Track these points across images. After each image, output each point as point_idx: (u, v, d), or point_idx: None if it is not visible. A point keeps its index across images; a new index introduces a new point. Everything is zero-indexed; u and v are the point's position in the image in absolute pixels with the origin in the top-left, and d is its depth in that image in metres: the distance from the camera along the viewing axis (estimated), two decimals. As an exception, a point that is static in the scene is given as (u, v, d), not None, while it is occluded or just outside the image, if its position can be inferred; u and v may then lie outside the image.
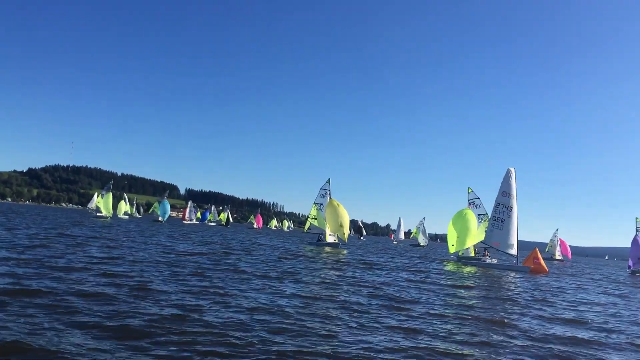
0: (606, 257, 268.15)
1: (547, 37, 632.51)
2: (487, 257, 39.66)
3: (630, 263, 55.50)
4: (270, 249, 37.77)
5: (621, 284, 36.51)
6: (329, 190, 51.52)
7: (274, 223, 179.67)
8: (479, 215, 43.47)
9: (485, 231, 39.96)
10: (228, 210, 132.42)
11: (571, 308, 17.71)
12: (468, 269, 34.57)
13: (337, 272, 23.43)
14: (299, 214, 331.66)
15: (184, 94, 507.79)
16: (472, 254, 44.13)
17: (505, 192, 39.35)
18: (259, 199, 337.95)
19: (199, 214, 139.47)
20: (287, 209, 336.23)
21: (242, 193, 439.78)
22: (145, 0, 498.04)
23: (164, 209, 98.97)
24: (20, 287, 11.87)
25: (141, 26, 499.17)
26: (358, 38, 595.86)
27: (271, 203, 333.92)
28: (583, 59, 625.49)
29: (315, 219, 51.66)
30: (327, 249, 46.60)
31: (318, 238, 51.85)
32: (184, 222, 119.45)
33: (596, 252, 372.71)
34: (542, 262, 40.34)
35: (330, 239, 50.11)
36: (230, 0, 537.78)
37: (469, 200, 45.98)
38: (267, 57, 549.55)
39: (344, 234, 48.56)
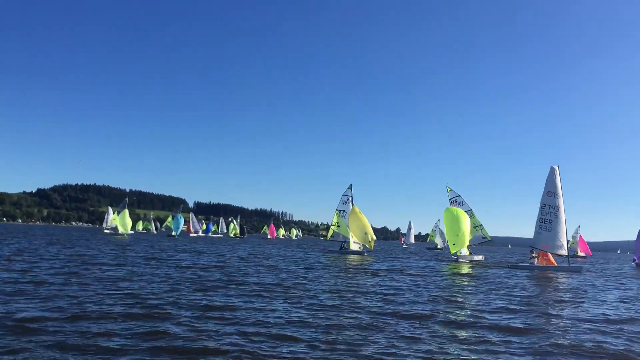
0: (618, 251, 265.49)
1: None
2: (536, 259, 38.11)
3: (636, 257, 54.93)
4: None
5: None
6: (351, 197, 50.39)
7: (281, 232, 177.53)
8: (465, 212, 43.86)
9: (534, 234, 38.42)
10: (237, 221, 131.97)
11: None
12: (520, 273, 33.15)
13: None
14: (309, 222, 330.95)
15: (186, 108, 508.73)
16: (467, 253, 45.62)
17: (550, 192, 37.79)
18: (268, 208, 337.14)
19: (203, 226, 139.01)
20: (296, 217, 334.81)
21: (250, 204, 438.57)
22: (143, 15, 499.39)
23: (177, 224, 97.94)
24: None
25: (141, 40, 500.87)
26: (362, 44, 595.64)
27: (280, 212, 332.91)
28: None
29: (339, 226, 50.44)
30: (352, 257, 45.32)
31: (341, 246, 50.61)
32: (190, 235, 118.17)
33: (606, 246, 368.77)
34: (551, 257, 39.61)
35: (354, 246, 48.86)
36: (233, 13, 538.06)
37: (450, 199, 47.13)
38: (267, 67, 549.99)
39: (370, 241, 47.28)
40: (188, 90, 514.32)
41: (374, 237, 48.60)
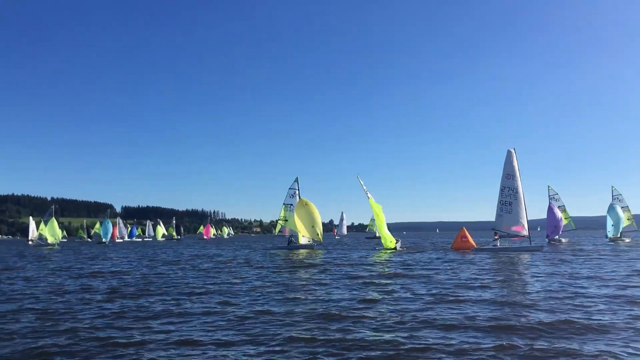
0: (538, 229, 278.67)
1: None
2: (499, 241, 38.80)
3: (548, 232, 56.07)
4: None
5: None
6: (298, 190, 49.18)
7: (212, 231, 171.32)
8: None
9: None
10: (174, 223, 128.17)
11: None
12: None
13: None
14: (242, 219, 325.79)
15: (106, 109, 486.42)
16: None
17: (509, 175, 38.66)
18: (199, 208, 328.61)
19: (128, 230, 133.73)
20: (228, 216, 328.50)
21: (181, 205, 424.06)
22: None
23: (106, 230, 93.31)
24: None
25: (48, 44, 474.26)
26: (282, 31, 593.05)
27: (212, 211, 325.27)
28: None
29: (286, 220, 49.06)
30: (302, 251, 44.26)
31: (289, 241, 49.32)
32: (116, 240, 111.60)
33: (533, 225, 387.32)
34: (470, 239, 41.88)
35: (303, 240, 47.71)
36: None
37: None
38: (188, 62, 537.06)
39: (318, 233, 46.24)
40: (105, 93, 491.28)
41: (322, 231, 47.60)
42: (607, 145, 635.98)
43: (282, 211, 49.28)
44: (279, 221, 50.06)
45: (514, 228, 38.20)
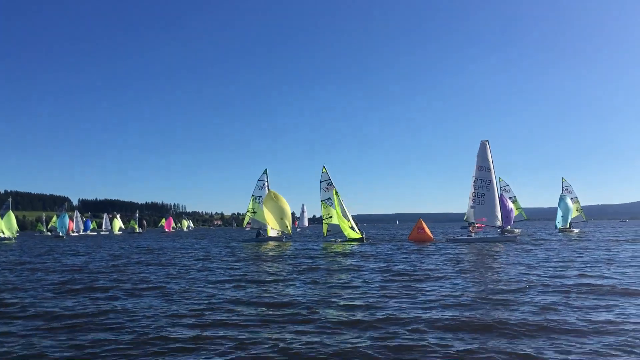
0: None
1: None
2: (474, 233, 39.42)
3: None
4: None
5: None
6: (267, 182, 48.88)
7: (173, 224, 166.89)
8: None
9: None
10: (137, 216, 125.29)
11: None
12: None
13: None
14: (203, 212, 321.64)
15: (58, 98, 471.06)
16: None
17: (482, 167, 38.90)
18: (159, 201, 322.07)
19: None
20: (189, 209, 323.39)
21: (140, 197, 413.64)
22: None
23: (63, 223, 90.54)
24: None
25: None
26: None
27: (173, 204, 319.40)
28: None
29: (255, 212, 48.69)
30: (271, 244, 44.08)
31: (257, 233, 48.96)
32: (72, 234, 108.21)
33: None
34: (427, 230, 43.02)
35: (272, 233, 47.50)
36: None
37: (325, 181, 45.60)
38: (147, 52, 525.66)
39: (287, 226, 46.14)
40: (60, 84, 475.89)
41: (291, 223, 47.54)
42: (558, 137, 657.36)
43: (251, 203, 48.90)
44: (247, 213, 49.64)
45: (486, 219, 38.70)
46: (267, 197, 46.35)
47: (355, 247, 36.18)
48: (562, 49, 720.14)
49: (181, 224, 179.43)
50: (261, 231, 48.65)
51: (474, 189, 38.75)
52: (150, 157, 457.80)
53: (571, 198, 59.02)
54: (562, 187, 61.13)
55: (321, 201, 45.37)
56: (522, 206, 63.30)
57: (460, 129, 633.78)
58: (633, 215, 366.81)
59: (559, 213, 56.01)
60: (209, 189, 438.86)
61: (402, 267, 20.76)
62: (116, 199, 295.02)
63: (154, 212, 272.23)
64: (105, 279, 18.32)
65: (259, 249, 36.35)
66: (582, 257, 24.17)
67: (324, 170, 45.55)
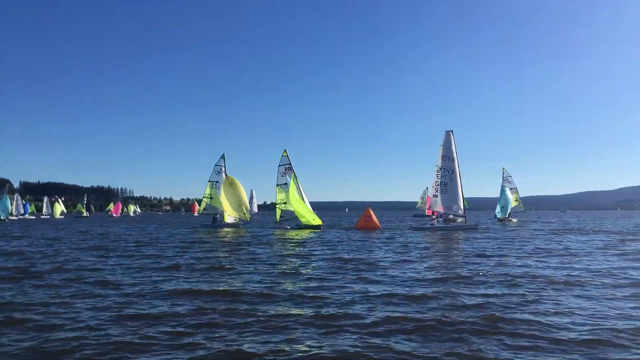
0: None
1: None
2: (436, 221, 40.11)
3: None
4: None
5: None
6: (225, 167, 47.99)
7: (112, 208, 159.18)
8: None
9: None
10: (85, 200, 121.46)
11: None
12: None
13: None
14: (151, 197, 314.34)
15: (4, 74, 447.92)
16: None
17: (445, 156, 39.29)
18: (106, 185, 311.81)
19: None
20: (137, 193, 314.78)
21: (85, 181, 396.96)
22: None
23: (4, 206, 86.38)
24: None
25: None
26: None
27: (120, 188, 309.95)
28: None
29: (211, 198, 47.73)
30: (227, 230, 43.52)
31: (214, 219, 48.18)
32: (11, 218, 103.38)
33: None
34: (374, 218, 43.95)
35: (229, 219, 46.81)
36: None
37: (284, 165, 45.26)
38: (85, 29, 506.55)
39: (245, 212, 45.54)
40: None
41: (249, 210, 46.87)
42: (500, 128, 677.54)
43: (208, 188, 47.88)
44: (203, 199, 48.62)
45: (448, 208, 39.33)
46: (224, 182, 45.52)
47: (311, 234, 36.23)
48: (513, 41, 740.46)
49: (127, 209, 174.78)
50: (217, 217, 47.90)
51: (438, 178, 39.22)
52: (96, 139, 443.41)
53: (510, 189, 60.28)
54: (503, 177, 62.13)
55: (277, 185, 45.12)
56: (466, 196, 64.67)
57: (411, 120, 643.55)
58: (572, 206, 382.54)
59: (500, 203, 57.38)
60: (158, 174, 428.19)
61: (352, 255, 20.90)
62: (60, 182, 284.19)
63: (100, 196, 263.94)
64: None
65: (213, 235, 35.82)
66: (520, 246, 24.97)
67: (284, 154, 45.31)
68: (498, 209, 58.28)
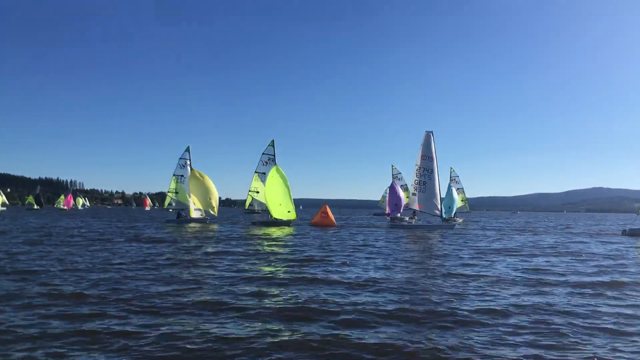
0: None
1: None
2: (415, 220, 39.96)
3: (389, 210, 54.82)
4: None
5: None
6: (189, 160, 45.70)
7: (62, 201, 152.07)
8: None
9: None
10: (37, 192, 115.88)
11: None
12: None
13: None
14: (102, 190, 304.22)
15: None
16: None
17: (425, 156, 39.81)
18: (54, 177, 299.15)
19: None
20: (87, 186, 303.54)
21: (32, 172, 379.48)
22: None
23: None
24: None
25: None
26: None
27: (69, 180, 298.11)
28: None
29: (177, 192, 45.34)
30: (193, 225, 41.46)
31: (178, 214, 45.82)
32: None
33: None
34: (330, 215, 44.65)
35: (195, 214, 44.58)
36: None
37: (268, 154, 44.26)
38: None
39: (214, 206, 43.47)
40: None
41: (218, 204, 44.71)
42: (450, 131, 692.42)
43: (173, 182, 45.42)
44: (168, 193, 46.08)
45: (426, 206, 39.19)
46: (191, 175, 43.49)
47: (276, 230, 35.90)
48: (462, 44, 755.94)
49: (75, 202, 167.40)
50: (182, 212, 45.60)
51: (417, 177, 39.47)
52: (44, 127, 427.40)
53: (457, 189, 59.68)
54: (450, 177, 61.95)
55: (255, 172, 44.17)
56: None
57: (372, 119, 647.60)
58: (522, 207, 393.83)
59: (445, 203, 56.38)
60: (110, 166, 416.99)
61: (312, 253, 20.11)
62: (4, 172, 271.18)
63: (49, 188, 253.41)
64: None
65: (178, 231, 33.80)
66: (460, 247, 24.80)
67: (271, 144, 44.39)
68: (444, 209, 57.46)
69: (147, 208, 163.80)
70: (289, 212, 40.39)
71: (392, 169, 63.16)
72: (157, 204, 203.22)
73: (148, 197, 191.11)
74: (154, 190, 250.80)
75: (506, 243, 27.69)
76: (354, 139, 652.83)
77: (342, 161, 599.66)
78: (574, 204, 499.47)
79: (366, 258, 18.68)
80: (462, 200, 61.32)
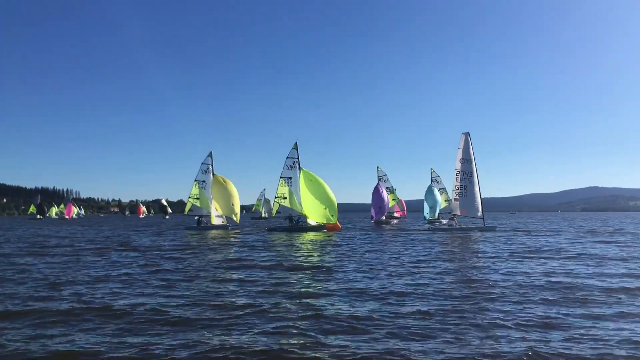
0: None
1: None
2: (455, 222, 39.35)
3: (373, 213, 54.29)
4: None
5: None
6: (212, 165, 44.43)
7: (54, 211, 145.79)
8: None
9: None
10: (38, 201, 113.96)
11: None
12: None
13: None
14: (99, 198, 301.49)
15: None
16: None
17: (463, 159, 38.66)
18: (50, 186, 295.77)
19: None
20: (84, 195, 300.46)
21: (28, 182, 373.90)
22: None
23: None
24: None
25: None
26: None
27: (65, 190, 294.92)
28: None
29: (198, 198, 44.07)
30: (214, 232, 40.17)
31: (199, 221, 44.53)
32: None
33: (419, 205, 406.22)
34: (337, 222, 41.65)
35: (217, 220, 43.38)
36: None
37: (292, 158, 42.12)
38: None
39: (237, 212, 42.33)
40: None
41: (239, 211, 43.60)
42: (427, 130, 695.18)
43: (194, 188, 44.12)
44: (189, 199, 44.73)
45: (468, 211, 38.58)
46: (214, 181, 42.55)
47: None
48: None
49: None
50: (202, 219, 44.35)
51: (457, 182, 38.51)
52: (39, 139, 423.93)
53: (439, 189, 58.08)
54: (431, 177, 60.19)
55: (280, 177, 41.73)
56: (408, 199, 64.04)
57: (370, 123, 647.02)
58: (518, 208, 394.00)
59: (427, 205, 54.81)
60: (104, 175, 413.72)
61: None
62: (1, 182, 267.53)
63: (46, 197, 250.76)
64: None
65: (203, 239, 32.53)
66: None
67: (294, 147, 41.74)
68: (427, 209, 55.47)
69: (142, 216, 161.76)
70: (332, 216, 39.27)
71: (378, 170, 61.32)
72: (152, 212, 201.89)
73: (142, 205, 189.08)
74: (152, 197, 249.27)
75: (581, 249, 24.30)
76: (340, 140, 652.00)
77: (330, 163, 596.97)
78: (570, 204, 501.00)
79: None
80: (445, 201, 59.64)
